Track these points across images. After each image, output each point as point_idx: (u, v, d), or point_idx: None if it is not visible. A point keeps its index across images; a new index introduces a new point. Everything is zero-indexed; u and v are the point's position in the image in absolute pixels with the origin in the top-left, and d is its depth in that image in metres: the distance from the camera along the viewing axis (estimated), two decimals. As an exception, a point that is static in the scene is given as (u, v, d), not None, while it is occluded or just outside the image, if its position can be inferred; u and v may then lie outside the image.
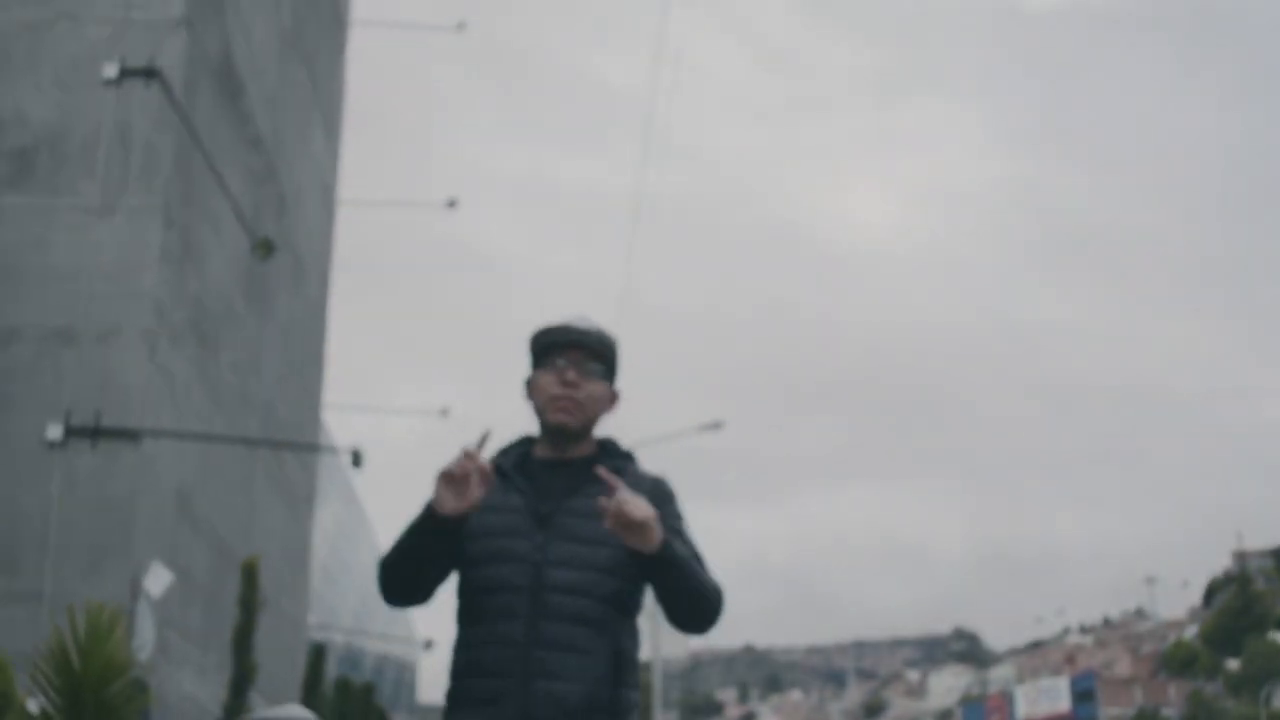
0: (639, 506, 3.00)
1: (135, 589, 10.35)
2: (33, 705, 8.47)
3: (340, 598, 35.31)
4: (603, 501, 3.01)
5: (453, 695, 3.20)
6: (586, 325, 3.33)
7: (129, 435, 10.37)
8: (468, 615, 3.19)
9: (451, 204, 20.06)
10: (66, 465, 10.31)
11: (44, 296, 10.66)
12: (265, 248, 12.78)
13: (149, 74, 10.99)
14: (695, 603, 3.14)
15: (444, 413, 22.82)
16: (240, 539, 13.60)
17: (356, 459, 11.25)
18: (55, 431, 10.31)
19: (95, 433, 10.34)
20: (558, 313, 3.43)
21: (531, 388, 3.33)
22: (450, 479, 2.99)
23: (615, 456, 3.35)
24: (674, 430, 25.34)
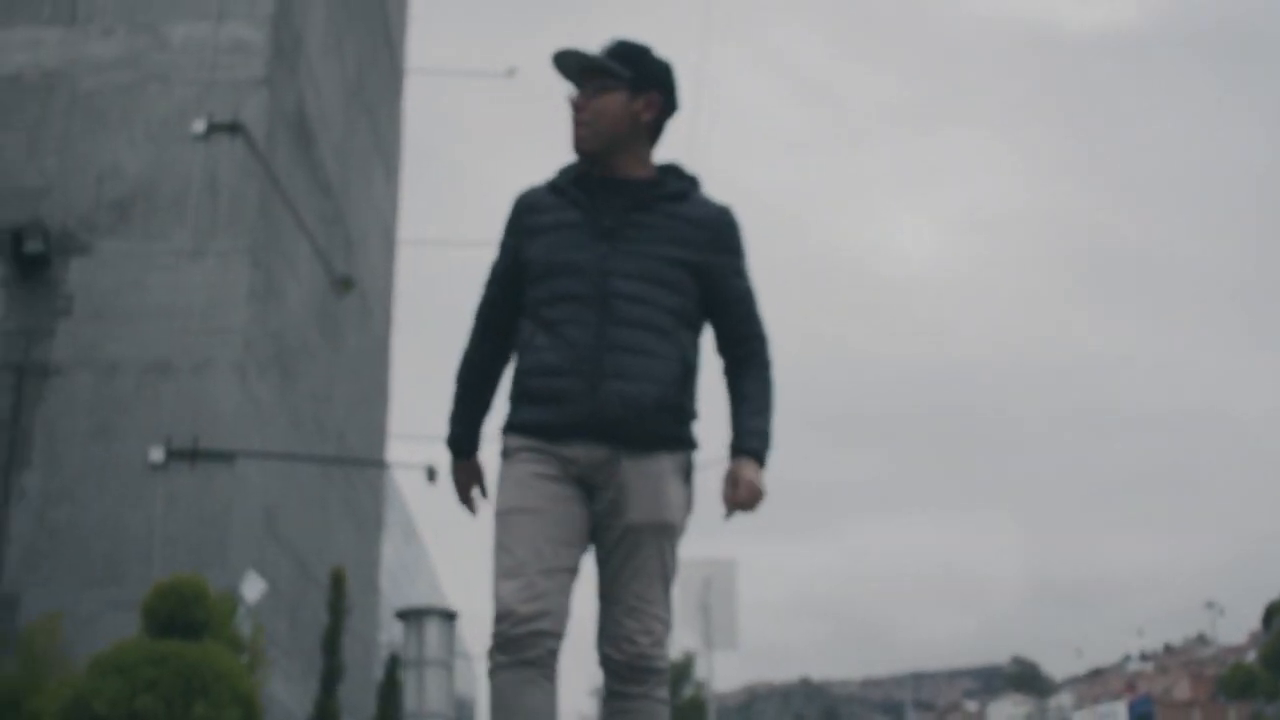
0: (754, 495, 3.18)
1: (233, 596, 11.36)
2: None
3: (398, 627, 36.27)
4: (726, 500, 3.17)
5: (516, 393, 3.27)
6: (583, 47, 3.29)
7: (223, 457, 11.41)
8: (531, 324, 3.24)
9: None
10: (167, 485, 11.35)
11: (143, 333, 11.72)
12: (345, 285, 13.85)
13: (233, 129, 12.08)
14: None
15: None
16: (317, 556, 14.61)
17: (431, 474, 12.22)
18: (157, 455, 11.36)
19: (193, 455, 11.38)
20: None
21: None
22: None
23: (679, 179, 3.35)
24: (720, 458, 26.11)
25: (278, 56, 12.70)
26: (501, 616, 3.08)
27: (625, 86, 3.27)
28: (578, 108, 3.26)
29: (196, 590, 8.06)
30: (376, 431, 18.75)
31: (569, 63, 3.28)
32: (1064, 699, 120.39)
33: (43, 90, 12.34)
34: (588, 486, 3.21)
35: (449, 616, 15.40)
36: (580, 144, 3.28)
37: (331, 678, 11.87)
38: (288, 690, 13.19)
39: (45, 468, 11.43)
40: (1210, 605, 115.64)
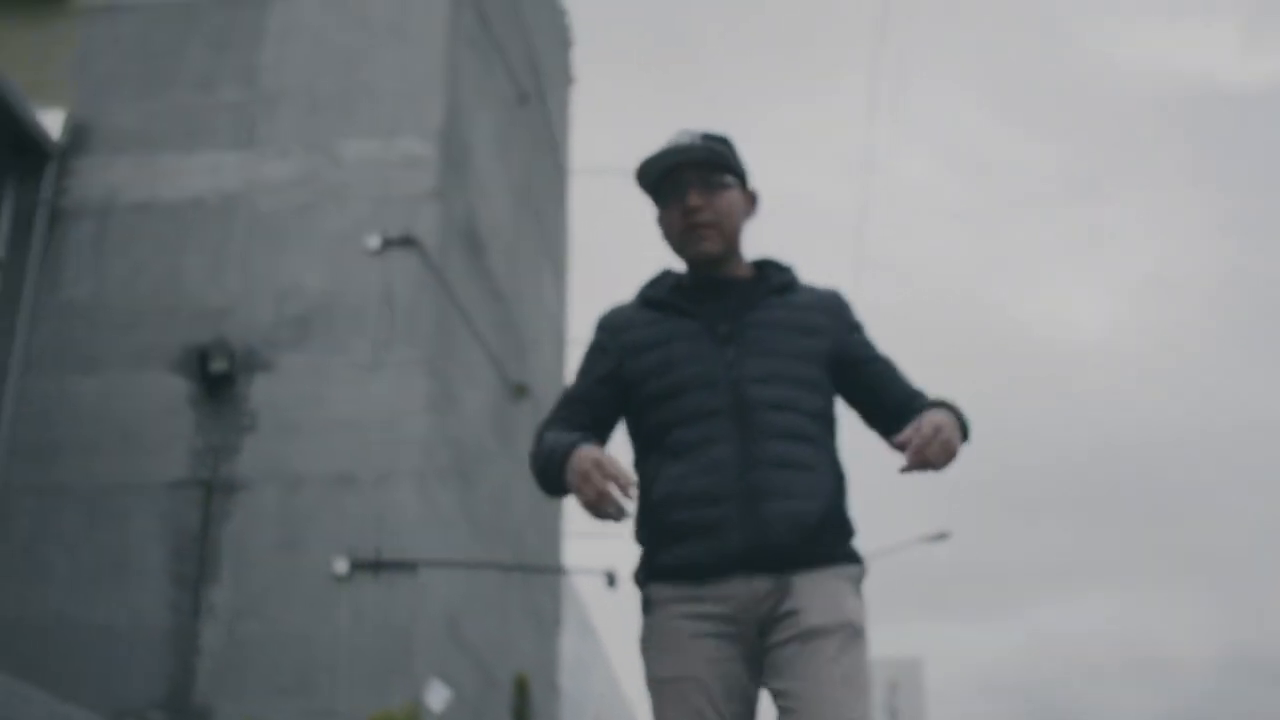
0: (947, 449, 2.75)
1: (417, 706, 11.43)
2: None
3: (578, 714, 36.23)
4: (905, 441, 2.74)
5: (654, 532, 2.87)
6: (687, 138, 3.01)
7: (406, 567, 11.53)
8: (658, 454, 2.87)
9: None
10: (352, 596, 11.51)
11: (326, 445, 11.95)
12: (519, 391, 14.00)
13: (407, 243, 12.33)
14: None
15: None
16: (499, 659, 14.66)
17: (611, 579, 12.22)
18: (341, 566, 11.53)
19: (376, 566, 11.53)
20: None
21: (662, 229, 3.07)
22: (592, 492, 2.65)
23: (779, 272, 3.09)
24: (898, 543, 25.79)
25: (448, 169, 12.95)
26: None
27: (738, 183, 3.04)
28: (698, 208, 2.95)
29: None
30: (552, 531, 18.83)
31: (674, 160, 2.98)
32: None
33: (224, 212, 12.74)
34: (749, 625, 2.81)
35: None
36: (707, 247, 2.98)
37: (518, 785, 11.89)
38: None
39: (234, 582, 11.66)
40: None
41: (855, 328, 3.06)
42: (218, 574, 11.69)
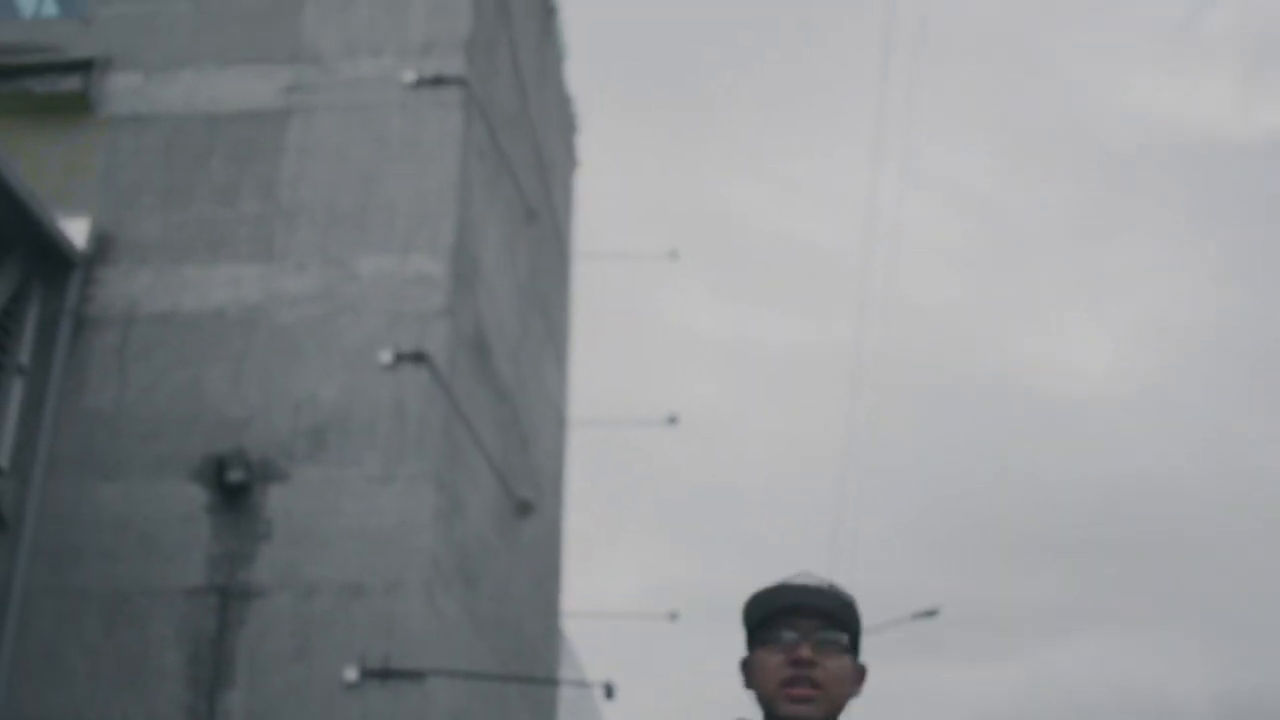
0: None
1: (422, 811, 11.86)
2: None
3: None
4: None
5: None
6: (816, 583, 2.61)
7: (414, 676, 11.98)
8: None
9: (672, 420, 21.68)
10: (361, 704, 11.94)
11: (338, 555, 12.40)
12: (524, 508, 14.47)
13: (418, 358, 12.83)
14: None
15: (673, 617, 24.25)
16: (499, 751, 15.10)
17: (609, 692, 12.65)
18: (351, 674, 11.97)
19: (385, 674, 11.97)
20: (777, 573, 2.77)
21: (751, 670, 2.61)
22: None
23: None
24: (889, 619, 26.18)
25: (458, 285, 13.45)
26: None
27: (852, 651, 2.60)
28: (810, 662, 2.51)
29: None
30: (550, 613, 19.28)
31: (797, 601, 2.58)
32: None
33: (244, 324, 13.23)
34: None
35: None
36: (806, 711, 2.50)
37: None
38: None
39: (248, 688, 12.10)
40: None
41: None
42: (232, 679, 12.12)
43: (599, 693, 15.40)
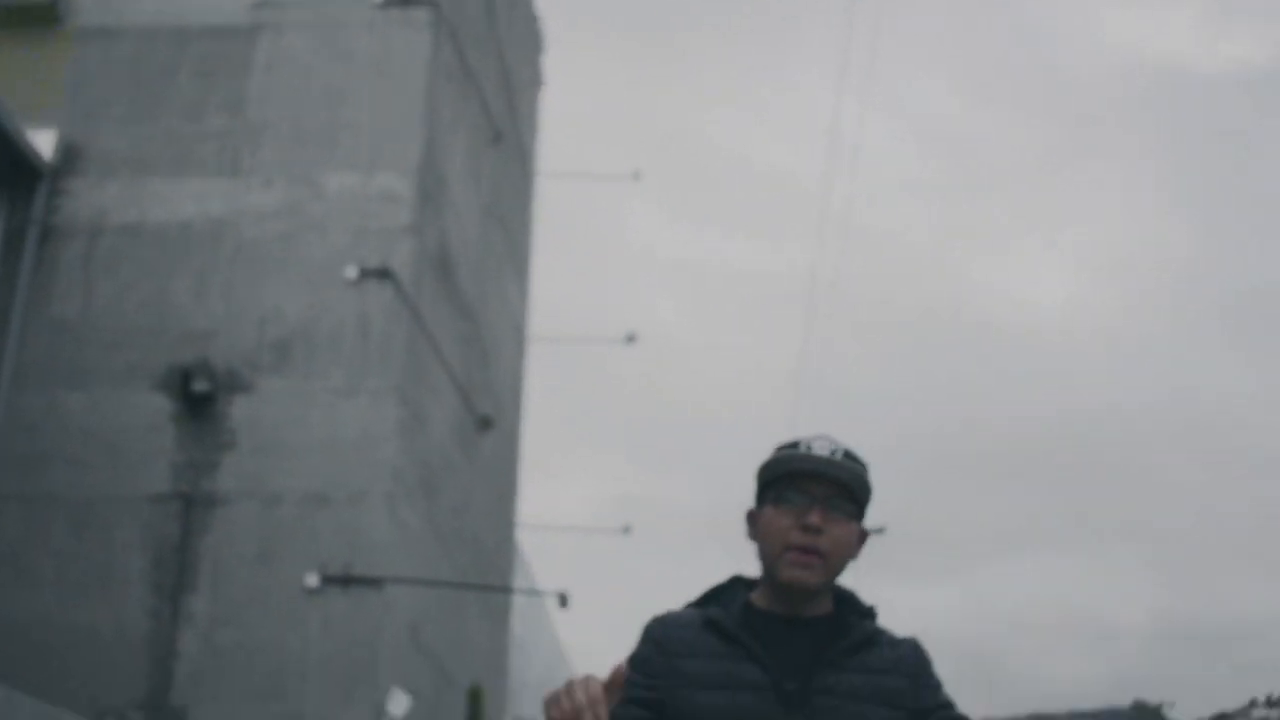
0: None
1: (380, 711, 12.26)
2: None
3: (522, 686, 37.18)
4: None
5: None
6: (834, 451, 2.60)
7: (374, 583, 12.33)
8: None
9: (631, 339, 21.92)
10: (322, 609, 12.30)
11: (302, 466, 12.70)
12: (485, 423, 14.76)
13: (383, 274, 13.07)
14: None
15: (625, 531, 24.67)
16: (455, 657, 15.50)
17: (563, 601, 13.02)
18: (313, 580, 12.32)
19: (346, 581, 12.32)
20: (797, 432, 2.79)
21: (757, 526, 2.63)
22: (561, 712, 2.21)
23: (858, 615, 2.68)
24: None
25: (423, 203, 13.67)
26: None
27: (859, 518, 2.62)
28: (819, 529, 2.54)
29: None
30: (507, 526, 19.66)
31: (813, 468, 2.58)
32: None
33: (210, 238, 13.42)
34: None
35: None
36: (807, 577, 2.55)
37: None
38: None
39: (211, 592, 12.43)
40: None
41: (935, 689, 2.66)
42: (196, 584, 12.45)
43: (552, 602, 15.80)
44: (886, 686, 2.56)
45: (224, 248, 13.40)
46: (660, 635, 2.62)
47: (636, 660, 2.59)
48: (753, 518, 2.63)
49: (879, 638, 2.64)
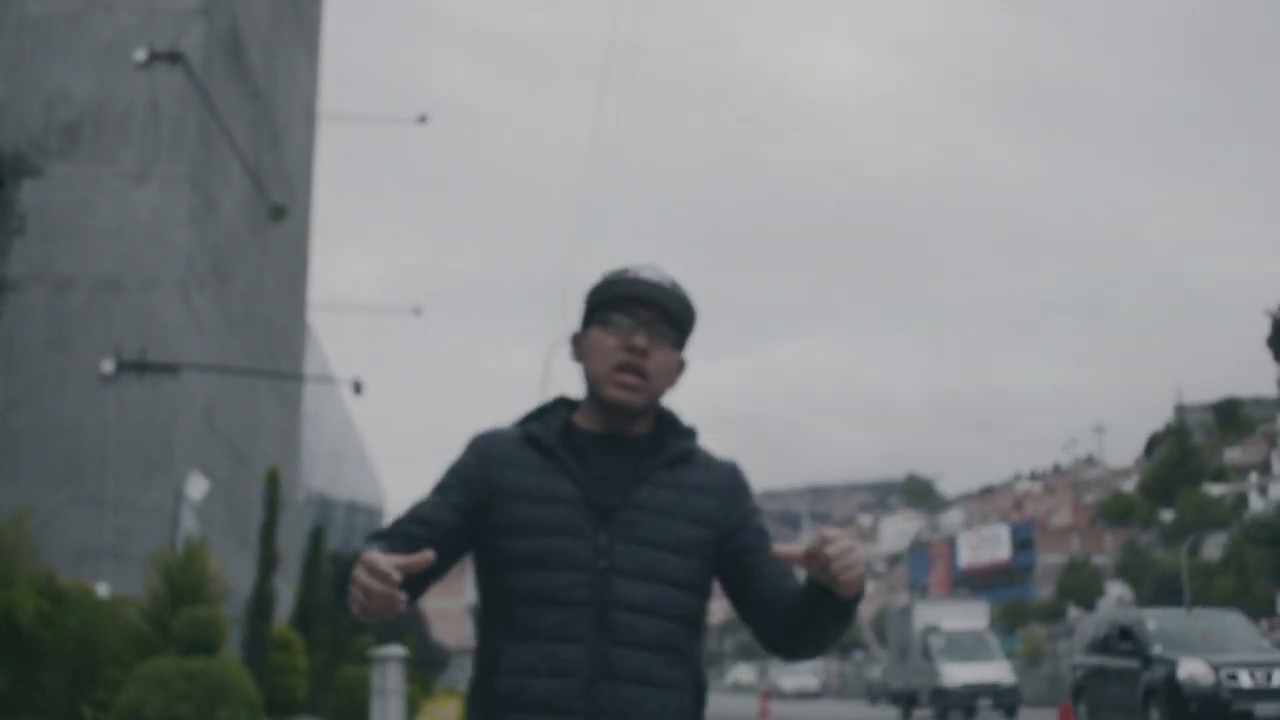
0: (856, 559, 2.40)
1: (178, 494, 12.56)
2: (103, 590, 10.93)
3: (314, 460, 37.72)
4: (822, 541, 2.36)
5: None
6: (662, 278, 2.66)
7: (169, 369, 12.51)
8: (507, 629, 2.56)
9: (423, 120, 21.91)
10: (118, 394, 12.46)
11: (93, 251, 12.69)
12: (278, 213, 14.78)
13: (173, 58, 12.92)
14: (829, 641, 2.59)
15: (417, 312, 24.98)
16: (249, 438, 15.80)
17: (358, 388, 13.37)
18: (108, 366, 12.44)
19: (141, 367, 12.47)
20: (625, 261, 2.79)
21: (583, 347, 2.68)
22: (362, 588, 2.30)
23: (678, 435, 2.71)
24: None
25: (214, -15, 13.46)
26: None
27: (680, 345, 2.70)
28: (644, 351, 2.61)
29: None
30: (299, 309, 19.81)
31: (641, 293, 2.64)
32: (954, 516, 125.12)
33: (-9, 14, 13.05)
34: None
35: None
36: (629, 397, 2.62)
37: (268, 566, 13.14)
38: (226, 569, 14.46)
39: (4, 375, 12.46)
40: (1099, 429, 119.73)
41: (749, 514, 2.72)
42: (-13, 368, 12.46)
43: (345, 385, 16.12)
44: (697, 504, 2.63)
45: (6, 23, 13.07)
46: (483, 448, 2.67)
47: (458, 468, 2.66)
48: (578, 340, 2.69)
49: (695, 457, 2.70)
